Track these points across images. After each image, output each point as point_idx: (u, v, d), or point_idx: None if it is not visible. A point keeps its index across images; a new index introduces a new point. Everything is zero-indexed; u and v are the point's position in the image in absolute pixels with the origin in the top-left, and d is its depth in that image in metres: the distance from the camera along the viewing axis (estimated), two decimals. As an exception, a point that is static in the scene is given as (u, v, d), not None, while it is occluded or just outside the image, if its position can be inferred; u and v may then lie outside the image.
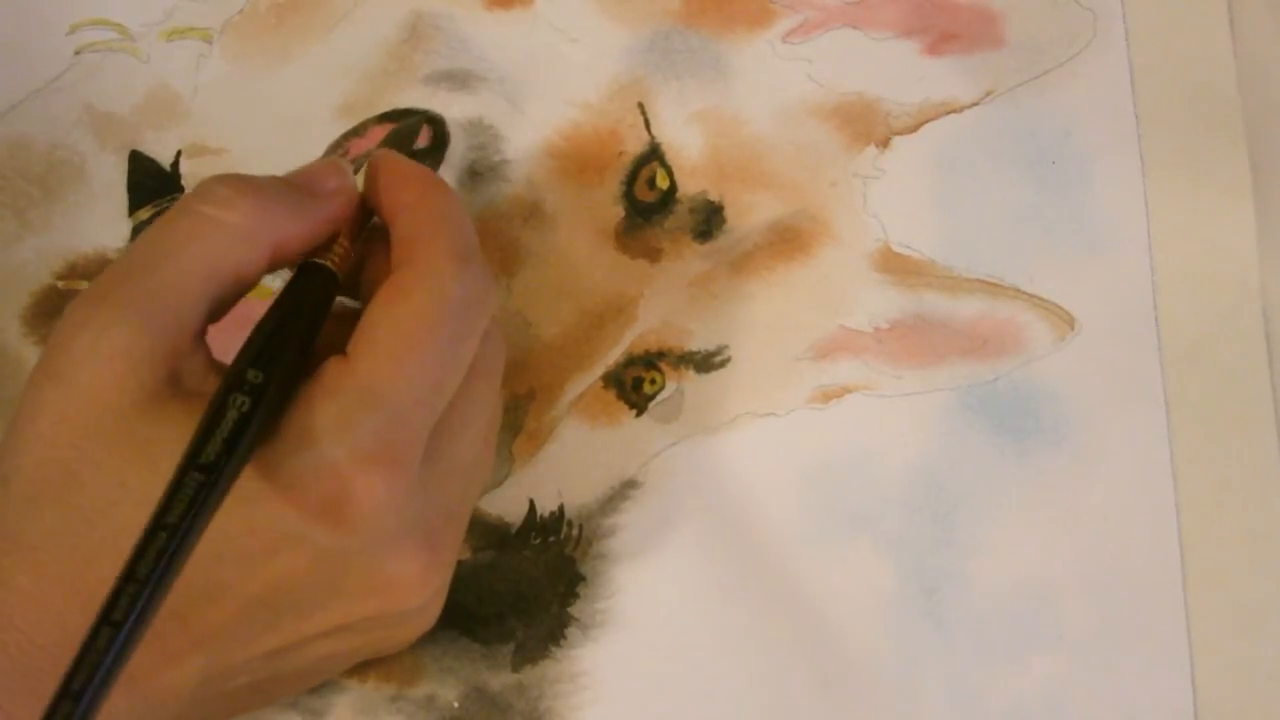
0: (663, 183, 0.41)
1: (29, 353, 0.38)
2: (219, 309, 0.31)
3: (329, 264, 0.31)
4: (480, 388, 0.32)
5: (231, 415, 0.27)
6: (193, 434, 0.27)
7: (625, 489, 0.38)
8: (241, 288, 0.31)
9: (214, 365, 0.31)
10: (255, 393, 0.28)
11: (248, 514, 0.28)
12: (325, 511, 0.28)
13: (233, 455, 0.27)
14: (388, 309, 0.30)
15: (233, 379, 0.28)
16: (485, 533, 0.38)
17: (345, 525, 0.29)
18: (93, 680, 0.25)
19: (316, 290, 0.31)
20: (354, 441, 0.28)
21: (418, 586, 0.31)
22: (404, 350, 0.29)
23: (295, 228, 0.31)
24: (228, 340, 0.30)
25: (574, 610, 0.37)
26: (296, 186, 0.32)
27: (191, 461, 0.27)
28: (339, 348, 0.30)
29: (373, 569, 0.30)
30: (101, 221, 0.40)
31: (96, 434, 0.29)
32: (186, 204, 0.31)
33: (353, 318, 0.31)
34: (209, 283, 0.30)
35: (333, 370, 0.29)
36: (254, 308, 0.31)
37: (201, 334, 0.30)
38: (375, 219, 0.33)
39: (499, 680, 0.37)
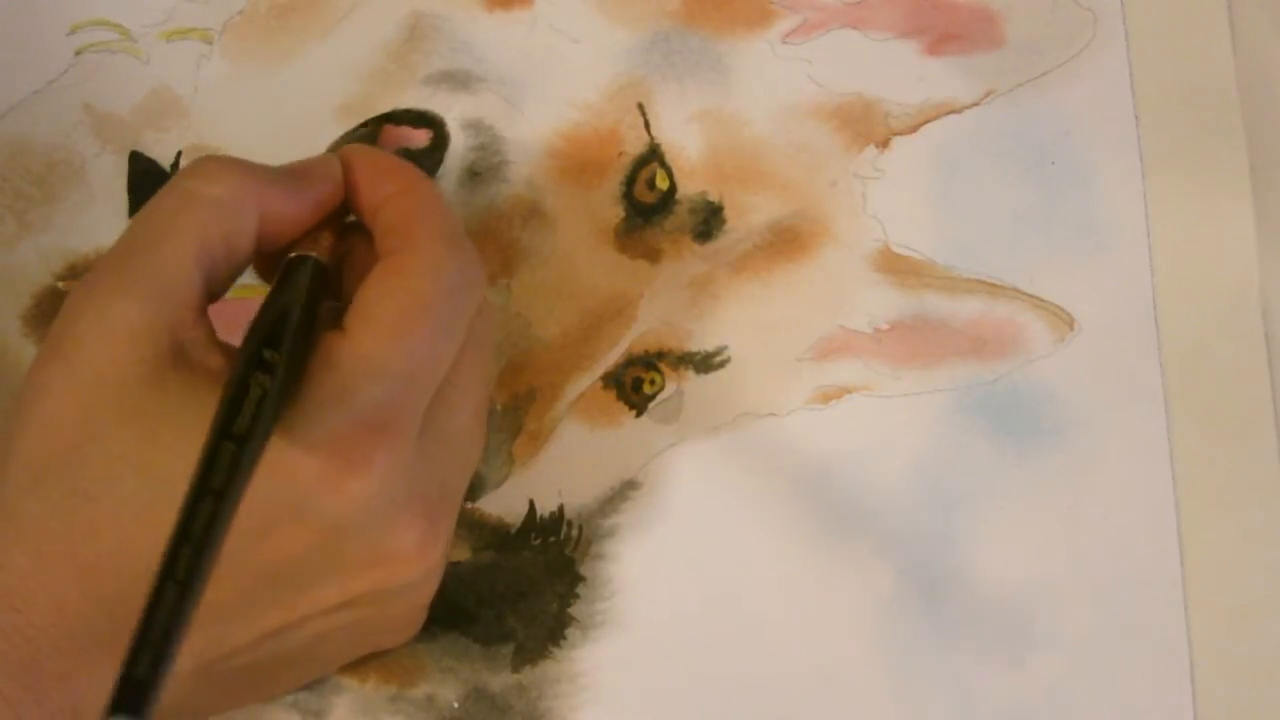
0: (662, 183, 0.41)
1: (29, 353, 0.39)
2: (215, 283, 0.31)
3: (317, 256, 0.32)
4: (471, 363, 0.32)
5: (255, 393, 0.28)
6: (217, 408, 0.27)
7: (625, 489, 0.38)
8: (234, 261, 0.31)
9: (216, 340, 0.31)
10: (273, 370, 0.28)
11: (251, 487, 0.28)
12: (327, 480, 0.29)
13: (258, 429, 0.27)
14: (384, 286, 0.31)
15: (251, 360, 0.28)
16: (485, 533, 0.38)
17: (346, 493, 0.29)
18: (171, 630, 0.24)
19: (311, 278, 0.31)
20: (354, 411, 0.29)
21: (416, 558, 0.31)
22: (402, 325, 0.30)
23: (282, 202, 0.32)
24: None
25: (574, 610, 0.37)
26: (284, 168, 0.33)
27: (223, 433, 0.27)
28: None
29: (372, 540, 0.30)
30: (101, 222, 0.40)
31: (101, 409, 0.29)
32: (174, 182, 0.31)
33: (332, 314, 0.31)
34: (201, 254, 0.30)
35: (330, 344, 0.30)
36: (255, 307, 0.31)
37: (201, 308, 0.31)
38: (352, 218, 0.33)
39: (499, 680, 0.37)
